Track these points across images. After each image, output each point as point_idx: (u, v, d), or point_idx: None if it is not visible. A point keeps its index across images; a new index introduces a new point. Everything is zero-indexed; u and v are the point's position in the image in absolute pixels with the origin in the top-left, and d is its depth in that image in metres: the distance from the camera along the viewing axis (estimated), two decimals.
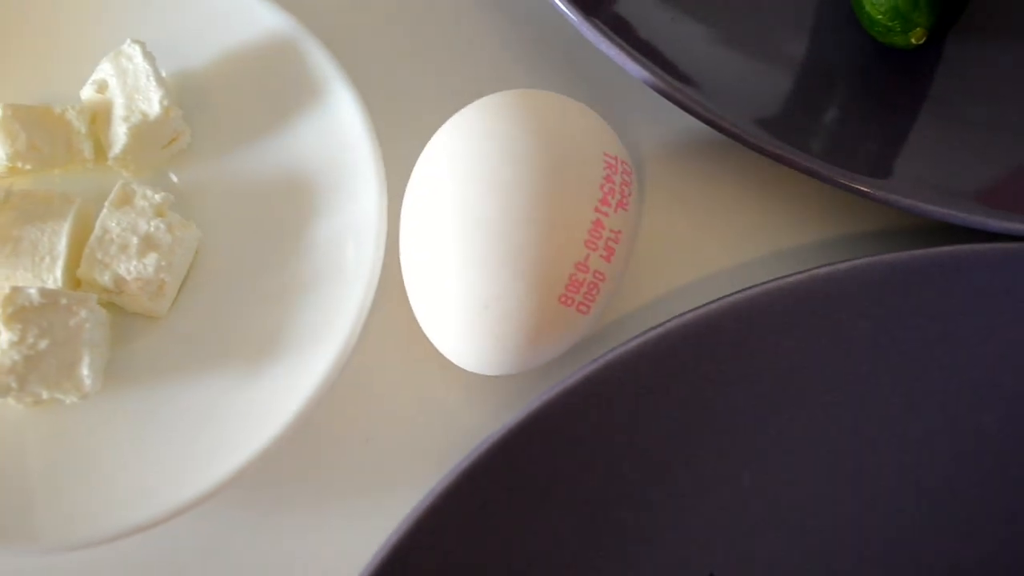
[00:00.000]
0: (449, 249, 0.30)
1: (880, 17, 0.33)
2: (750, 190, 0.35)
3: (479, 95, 0.32)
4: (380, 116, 0.34)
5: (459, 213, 0.30)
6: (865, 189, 0.32)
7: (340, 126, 0.34)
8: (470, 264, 0.30)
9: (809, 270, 0.31)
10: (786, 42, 0.35)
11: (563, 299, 0.30)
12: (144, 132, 0.34)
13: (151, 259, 0.32)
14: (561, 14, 0.34)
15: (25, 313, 0.30)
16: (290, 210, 0.34)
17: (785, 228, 0.35)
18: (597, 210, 0.30)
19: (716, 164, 0.36)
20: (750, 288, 0.31)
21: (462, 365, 0.31)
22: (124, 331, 0.33)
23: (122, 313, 0.33)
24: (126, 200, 0.33)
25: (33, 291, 0.31)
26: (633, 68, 0.33)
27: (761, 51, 0.35)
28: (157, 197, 0.33)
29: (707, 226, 0.35)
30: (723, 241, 0.35)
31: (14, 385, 0.30)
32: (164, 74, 0.35)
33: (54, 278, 0.32)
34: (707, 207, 0.35)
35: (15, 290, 0.31)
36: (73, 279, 0.33)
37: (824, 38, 0.35)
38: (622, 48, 0.33)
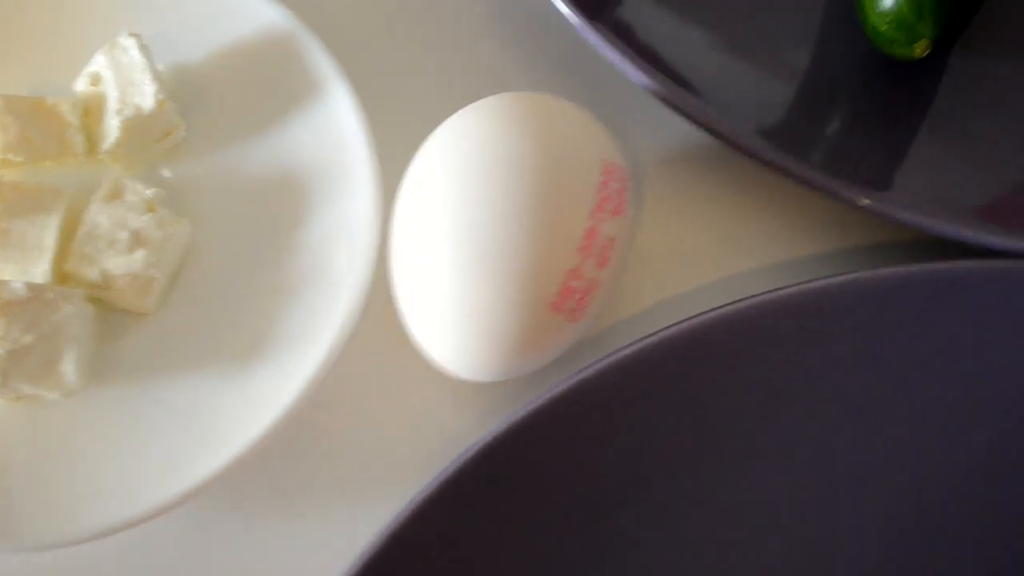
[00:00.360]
0: (439, 253, 0.29)
1: (885, 28, 0.33)
2: (749, 199, 0.35)
3: (479, 96, 0.32)
4: (378, 115, 0.34)
5: (450, 217, 0.29)
6: (864, 203, 0.31)
7: (336, 125, 0.34)
8: (460, 268, 0.29)
9: (804, 283, 0.31)
10: (790, 52, 0.35)
11: (554, 306, 0.29)
12: (137, 126, 0.34)
13: (140, 255, 0.32)
14: (563, 18, 0.34)
15: (10, 307, 0.30)
16: (283, 209, 0.34)
17: (783, 239, 0.34)
18: (592, 217, 0.30)
19: (716, 172, 0.35)
20: (745, 299, 0.31)
21: (450, 370, 0.31)
22: (112, 327, 0.33)
23: (110, 309, 0.33)
24: (117, 195, 0.33)
25: (19, 285, 0.30)
26: (634, 74, 0.33)
27: (764, 61, 0.34)
28: (148, 192, 0.33)
29: (705, 235, 0.35)
30: (720, 250, 0.34)
31: None
32: (160, 68, 0.35)
33: (42, 272, 0.32)
34: (705, 215, 0.35)
35: (0, 283, 0.30)
36: (62, 273, 0.33)
37: (829, 49, 0.35)
38: (624, 53, 0.33)
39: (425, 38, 0.38)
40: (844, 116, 0.34)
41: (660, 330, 0.30)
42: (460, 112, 0.31)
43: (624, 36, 0.33)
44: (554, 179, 0.29)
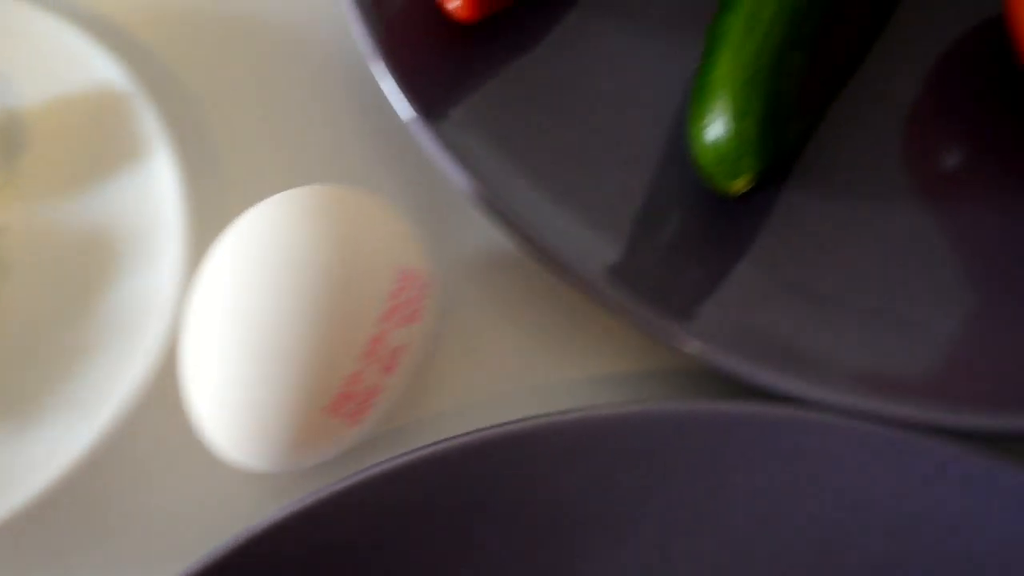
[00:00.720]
0: (222, 342, 0.29)
1: (706, 161, 0.33)
2: (561, 313, 0.35)
3: (310, 180, 0.31)
4: (204, 188, 0.34)
5: (236, 309, 0.29)
6: (665, 335, 0.31)
7: (155, 194, 0.34)
8: (241, 363, 0.29)
9: (589, 408, 0.31)
10: (620, 174, 0.34)
11: (330, 410, 0.29)
12: None
13: None
14: (395, 111, 0.34)
15: None
16: (91, 270, 0.33)
17: (590, 356, 0.34)
18: (380, 323, 0.30)
19: (532, 283, 0.35)
20: (528, 419, 0.30)
21: (228, 459, 0.31)
22: None
23: None
24: None
25: None
26: (456, 177, 0.33)
27: (597, 181, 0.34)
28: None
29: (512, 345, 0.34)
30: (525, 362, 0.34)
31: None
32: None
33: None
34: (515, 325, 0.35)
35: None
36: None
37: (661, 177, 0.35)
38: (447, 155, 0.33)
39: (268, 116, 0.37)
40: (665, 246, 0.33)
41: (434, 443, 0.30)
42: (265, 202, 0.31)
43: (451, 138, 0.33)
44: (343, 283, 0.29)
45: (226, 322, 0.29)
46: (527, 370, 0.34)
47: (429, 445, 0.30)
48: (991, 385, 0.32)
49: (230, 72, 0.37)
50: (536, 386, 0.34)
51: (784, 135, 0.33)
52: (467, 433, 0.30)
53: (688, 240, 0.34)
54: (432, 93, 0.34)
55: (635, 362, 0.34)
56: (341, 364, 0.29)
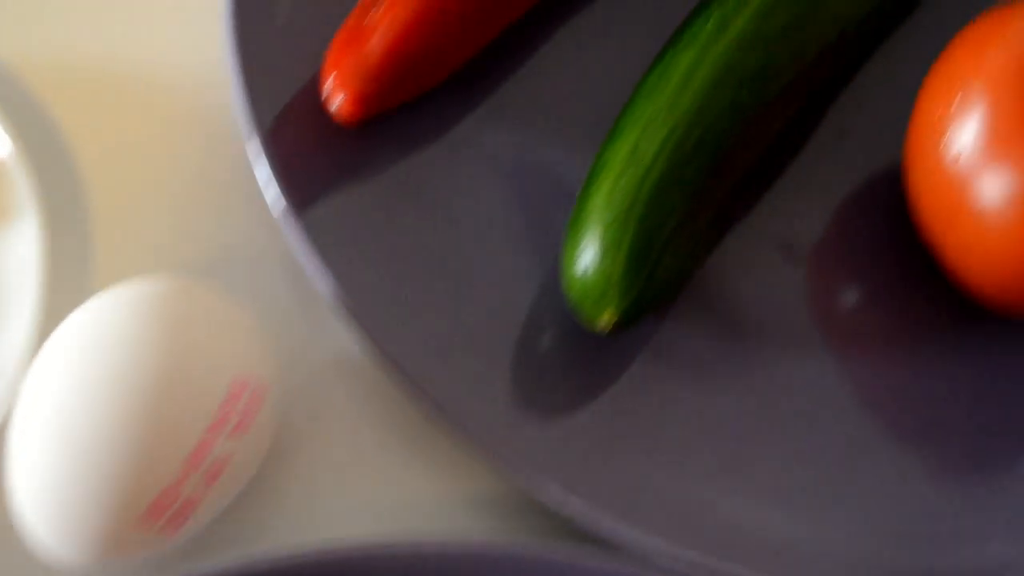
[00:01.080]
0: (44, 435, 0.28)
1: (574, 290, 0.31)
2: (416, 429, 0.34)
3: (182, 265, 0.30)
4: (69, 260, 0.33)
5: (61, 403, 0.29)
6: (501, 467, 0.31)
7: (14, 261, 0.33)
8: (59, 457, 0.28)
9: (412, 539, 0.30)
10: (494, 296, 0.34)
11: (144, 517, 0.29)
12: None
13: None
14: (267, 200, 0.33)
15: None
16: None
17: (440, 476, 0.33)
18: (206, 433, 0.29)
19: (389, 395, 0.34)
20: (344, 543, 0.30)
21: (41, 551, 0.30)
22: None
23: None
24: None
25: None
26: (315, 278, 0.32)
27: (466, 302, 0.33)
28: None
29: (360, 459, 0.33)
30: (373, 477, 0.33)
31: None
32: None
33: None
34: (366, 438, 0.34)
35: None
36: None
37: (535, 303, 0.34)
38: (308, 253, 0.32)
39: (148, 193, 0.36)
40: (528, 378, 0.32)
41: (254, 556, 0.29)
42: (106, 292, 0.30)
43: (317, 236, 0.32)
44: (170, 389, 0.29)
45: (50, 413, 0.29)
46: (374, 486, 0.33)
47: (256, 557, 0.30)
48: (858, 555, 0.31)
49: (115, 140, 0.36)
50: (383, 504, 0.33)
51: (656, 273, 0.32)
52: (290, 550, 0.30)
53: (555, 375, 0.33)
54: (305, 187, 0.33)
55: (488, 485, 0.33)
56: (159, 472, 0.28)
